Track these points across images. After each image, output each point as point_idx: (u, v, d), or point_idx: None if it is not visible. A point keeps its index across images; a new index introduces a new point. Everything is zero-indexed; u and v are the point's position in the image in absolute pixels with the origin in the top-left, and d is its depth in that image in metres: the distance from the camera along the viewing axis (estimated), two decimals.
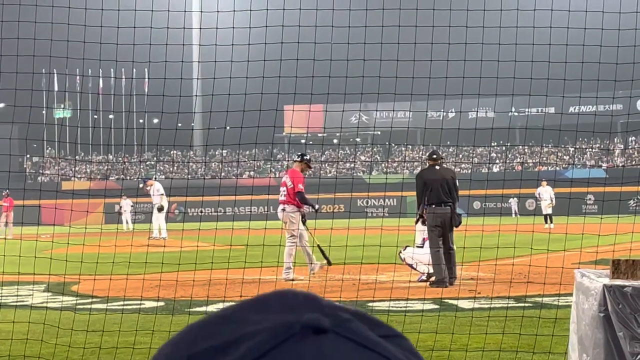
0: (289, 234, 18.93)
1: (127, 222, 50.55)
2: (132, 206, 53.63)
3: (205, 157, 73.27)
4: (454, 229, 17.63)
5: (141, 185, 38.07)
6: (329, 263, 18.77)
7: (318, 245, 18.74)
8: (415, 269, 18.08)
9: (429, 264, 18.26)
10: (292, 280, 18.39)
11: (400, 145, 77.08)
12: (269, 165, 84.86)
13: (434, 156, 18.14)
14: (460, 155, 75.34)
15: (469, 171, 67.25)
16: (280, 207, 19.35)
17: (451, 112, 61.83)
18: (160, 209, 36.22)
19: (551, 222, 42.96)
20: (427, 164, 18.31)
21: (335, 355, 0.81)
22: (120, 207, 52.67)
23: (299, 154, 20.05)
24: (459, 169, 72.97)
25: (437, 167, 18.01)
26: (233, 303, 0.92)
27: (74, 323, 11.56)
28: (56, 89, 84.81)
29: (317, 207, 19.81)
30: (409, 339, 0.92)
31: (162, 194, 36.53)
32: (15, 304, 14.79)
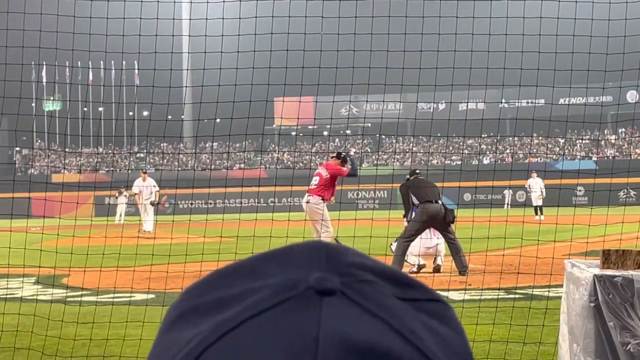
0: (323, 224, 19.29)
1: (120, 215, 50.49)
2: (128, 199, 53.59)
3: (196, 149, 73.25)
4: (450, 225, 17.86)
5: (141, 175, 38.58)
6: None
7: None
8: (405, 261, 18.11)
9: (419, 256, 18.32)
10: None
11: (390, 137, 77.13)
12: (259, 158, 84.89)
13: (417, 171, 19.27)
14: (451, 147, 75.39)
15: (460, 163, 67.33)
16: (306, 197, 19.69)
17: (441, 103, 61.89)
18: (152, 203, 36.81)
19: (541, 214, 43.05)
20: (411, 179, 19.02)
21: (331, 322, 0.77)
22: (117, 199, 52.64)
23: (340, 154, 20.80)
24: (449, 161, 73.06)
25: (421, 177, 18.98)
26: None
27: (64, 315, 11.54)
28: (45, 80, 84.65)
29: (357, 169, 20.82)
30: (449, 305, 0.87)
31: (158, 190, 37.33)
32: (5, 296, 14.77)
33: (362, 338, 0.76)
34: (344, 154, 20.88)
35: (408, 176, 19.25)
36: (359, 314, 0.78)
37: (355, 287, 0.80)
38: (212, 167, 68.15)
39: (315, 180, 19.76)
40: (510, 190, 60.79)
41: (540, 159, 74.60)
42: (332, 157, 20.60)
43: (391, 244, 18.29)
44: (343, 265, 0.83)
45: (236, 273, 0.85)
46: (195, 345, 0.78)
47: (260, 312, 0.78)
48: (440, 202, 18.03)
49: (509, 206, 55.98)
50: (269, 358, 0.75)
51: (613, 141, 77.00)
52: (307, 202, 19.59)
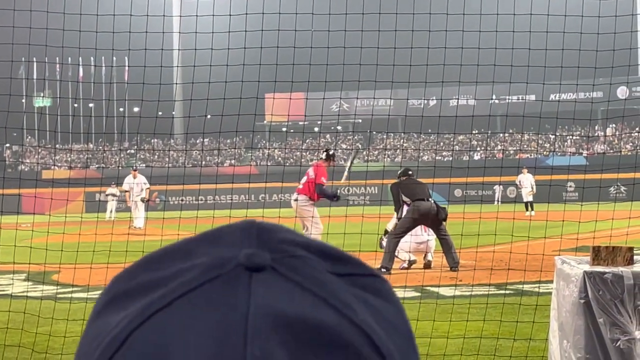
0: (313, 222, 19.28)
1: (110, 211, 50.44)
2: (117, 196, 53.49)
3: (186, 146, 73.15)
4: (443, 222, 17.92)
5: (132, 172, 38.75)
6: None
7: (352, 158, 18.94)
8: (396, 257, 18.13)
9: (409, 252, 18.36)
10: None
11: (381, 133, 77.15)
12: (250, 154, 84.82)
13: (410, 172, 19.16)
14: (442, 143, 75.42)
15: (450, 159, 67.36)
16: (294, 196, 19.69)
17: (432, 99, 61.87)
18: (143, 200, 36.98)
19: (532, 210, 43.10)
20: (402, 179, 18.97)
21: (261, 297, 0.76)
22: (107, 195, 52.60)
23: (328, 152, 20.43)
24: (440, 157, 73.10)
25: (413, 177, 19.01)
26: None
27: (55, 312, 11.52)
28: (35, 77, 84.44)
29: (337, 194, 20.10)
30: (384, 278, 0.86)
31: (148, 187, 37.55)
32: None
33: (293, 311, 0.76)
34: (332, 151, 20.80)
35: (399, 174, 19.24)
36: (289, 289, 0.78)
37: (286, 263, 0.80)
38: (203, 163, 68.07)
39: (303, 180, 19.79)
40: (501, 186, 60.84)
41: (531, 155, 74.69)
42: (320, 159, 20.51)
43: (381, 239, 18.33)
44: (274, 241, 0.82)
45: (167, 255, 0.84)
46: (122, 328, 0.77)
47: (189, 290, 0.77)
48: (431, 199, 18.09)
49: (499, 202, 56.04)
50: (199, 335, 0.75)
51: (604, 137, 77.12)
52: (295, 199, 19.63)
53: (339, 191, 20.11)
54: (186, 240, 0.86)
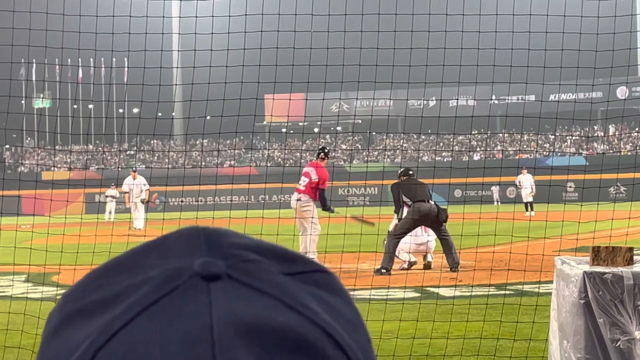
0: (312, 223, 19.28)
1: (109, 212, 50.45)
2: (117, 197, 53.48)
3: (186, 147, 73.13)
4: (444, 224, 17.92)
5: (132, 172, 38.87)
6: (372, 224, 18.86)
7: (351, 216, 18.82)
8: (396, 257, 18.13)
9: (410, 252, 18.37)
10: None
11: (381, 134, 77.12)
12: (250, 155, 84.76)
13: (410, 172, 19.09)
14: (441, 144, 75.42)
15: (450, 159, 67.36)
16: (296, 196, 19.71)
17: (432, 100, 61.82)
18: (143, 201, 37.04)
19: (532, 210, 43.09)
20: (402, 179, 18.92)
21: (222, 306, 0.76)
22: (107, 197, 52.60)
23: (325, 150, 20.39)
24: (439, 158, 73.11)
25: (413, 177, 18.91)
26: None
27: None
28: (35, 78, 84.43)
29: (333, 209, 19.93)
30: (333, 274, 0.87)
31: (148, 188, 37.65)
32: None
33: (256, 317, 0.76)
34: (327, 149, 20.79)
35: (400, 174, 19.23)
36: (248, 294, 0.78)
37: (240, 268, 0.80)
38: (203, 164, 68.06)
39: (304, 182, 19.76)
40: (498, 187, 60.82)
41: (531, 155, 74.69)
42: (320, 157, 20.46)
43: (384, 240, 18.35)
44: (224, 247, 0.82)
45: (115, 270, 0.83)
46: (86, 348, 0.76)
47: (149, 305, 0.76)
48: (432, 201, 18.10)
49: (499, 202, 56.01)
50: (165, 350, 0.74)
51: (603, 137, 77.13)
52: (298, 199, 19.63)
53: (335, 209, 19.99)
54: (132, 253, 0.85)
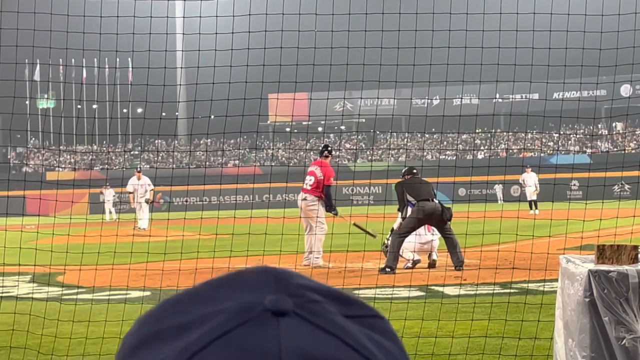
0: (318, 223, 19.29)
1: (110, 212, 50.52)
2: (114, 196, 53.52)
3: (190, 146, 73.12)
4: (448, 222, 17.90)
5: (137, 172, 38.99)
6: (373, 236, 18.90)
7: (354, 224, 18.82)
8: (401, 256, 18.13)
9: (414, 251, 18.36)
10: (321, 266, 18.59)
11: (385, 133, 77.10)
12: (254, 154, 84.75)
13: (414, 170, 19.13)
14: (445, 142, 75.39)
15: (454, 158, 67.32)
16: (302, 195, 19.69)
17: (436, 99, 61.85)
18: (147, 202, 37.07)
19: (536, 208, 43.06)
20: (407, 178, 18.92)
21: (290, 340, 0.82)
22: (104, 196, 52.73)
23: (328, 147, 20.46)
24: (443, 156, 73.05)
25: (417, 176, 18.94)
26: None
27: (60, 314, 11.54)
28: (39, 79, 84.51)
29: (337, 211, 19.96)
30: (386, 319, 0.93)
31: (152, 188, 37.76)
32: (0, 295, 14.75)
33: (321, 352, 0.83)
34: (330, 147, 20.88)
35: (404, 173, 19.22)
36: (313, 332, 0.85)
37: (306, 307, 0.87)
38: (207, 164, 68.07)
39: (310, 181, 19.75)
40: (501, 186, 60.75)
41: (535, 154, 74.62)
42: (324, 155, 20.46)
43: (386, 239, 18.35)
44: (291, 286, 0.89)
45: (191, 300, 0.90)
46: None
47: (223, 334, 0.83)
48: (436, 200, 18.07)
49: (502, 201, 55.95)
50: None
51: (608, 135, 77.03)
52: (304, 199, 19.64)
53: (338, 211, 20.02)
54: (206, 285, 0.92)
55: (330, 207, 19.66)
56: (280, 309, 0.85)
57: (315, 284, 0.91)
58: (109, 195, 52.74)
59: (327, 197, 19.64)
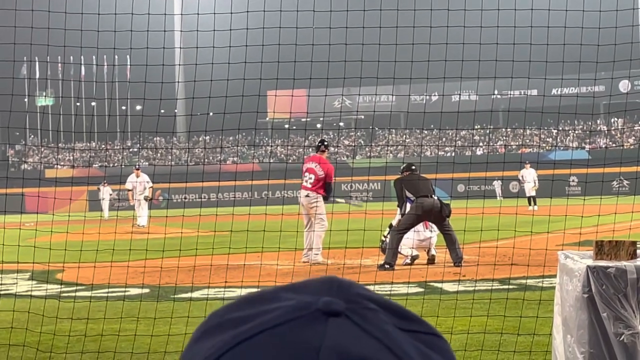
0: (318, 219, 19.34)
1: (102, 210, 50.51)
2: (110, 194, 53.44)
3: (189, 143, 73.15)
4: (447, 219, 17.89)
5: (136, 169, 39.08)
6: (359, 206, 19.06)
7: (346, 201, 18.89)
8: (399, 252, 18.14)
9: (412, 247, 18.37)
10: (320, 263, 18.62)
11: (383, 129, 77.09)
12: (253, 151, 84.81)
13: (413, 167, 19.09)
14: (444, 139, 75.38)
15: (453, 154, 67.31)
16: (304, 192, 19.72)
17: (434, 95, 61.79)
18: (146, 199, 37.11)
19: (535, 204, 43.09)
20: (405, 174, 18.91)
21: (333, 338, 0.88)
22: (100, 194, 52.68)
23: (324, 142, 20.54)
24: (442, 153, 73.06)
25: (416, 172, 18.89)
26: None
27: (59, 311, 11.54)
28: (38, 76, 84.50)
29: (333, 200, 20.19)
30: (444, 338, 0.97)
31: (151, 185, 37.81)
32: None
33: (358, 352, 0.87)
34: (327, 141, 20.92)
35: (403, 169, 19.22)
36: (358, 334, 0.89)
37: (358, 312, 0.92)
38: (206, 161, 68.08)
39: (310, 179, 19.76)
40: (500, 182, 60.79)
41: (534, 150, 74.65)
42: (320, 150, 20.46)
43: (384, 236, 18.36)
44: (351, 294, 0.95)
45: (257, 300, 0.98)
46: (214, 351, 0.92)
47: (272, 326, 0.90)
48: (435, 196, 18.07)
49: (501, 197, 55.97)
50: None
51: (606, 131, 77.06)
52: (307, 195, 19.65)
53: (334, 198, 20.20)
54: (275, 288, 1.00)
55: (327, 198, 19.77)
56: (331, 310, 0.91)
57: (376, 296, 0.97)
58: (105, 193, 52.66)
59: (327, 192, 19.73)
